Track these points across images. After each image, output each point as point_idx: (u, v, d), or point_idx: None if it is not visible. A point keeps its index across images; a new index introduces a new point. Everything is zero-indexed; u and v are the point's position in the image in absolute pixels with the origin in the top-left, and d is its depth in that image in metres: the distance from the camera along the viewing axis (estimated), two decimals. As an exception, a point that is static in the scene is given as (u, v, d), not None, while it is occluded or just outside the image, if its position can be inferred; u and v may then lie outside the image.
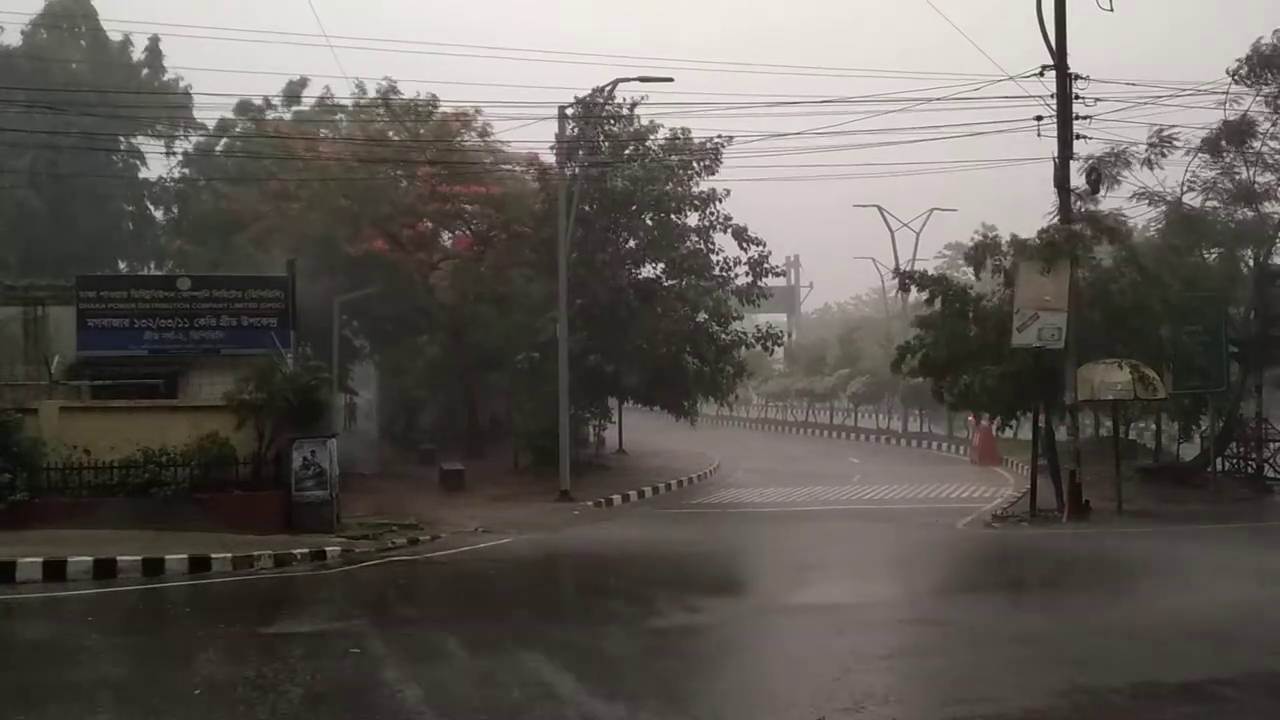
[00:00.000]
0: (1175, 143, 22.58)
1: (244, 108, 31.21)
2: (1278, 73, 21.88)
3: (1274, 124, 22.40)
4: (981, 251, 21.73)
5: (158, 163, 35.48)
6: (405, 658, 9.66)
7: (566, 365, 25.51)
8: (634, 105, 28.92)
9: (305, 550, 16.22)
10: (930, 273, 24.22)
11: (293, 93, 31.83)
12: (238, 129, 32.00)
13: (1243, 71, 21.89)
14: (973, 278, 23.71)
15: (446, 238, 33.28)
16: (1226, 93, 22.29)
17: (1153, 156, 22.69)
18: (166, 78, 35.06)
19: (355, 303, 29.57)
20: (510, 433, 31.43)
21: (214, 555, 15.20)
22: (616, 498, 25.85)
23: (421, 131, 29.76)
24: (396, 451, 34.59)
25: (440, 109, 29.91)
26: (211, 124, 33.43)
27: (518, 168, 30.78)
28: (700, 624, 11.49)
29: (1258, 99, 22.21)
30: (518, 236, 30.37)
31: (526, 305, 29.25)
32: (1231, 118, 22.42)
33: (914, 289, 22.96)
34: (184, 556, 14.96)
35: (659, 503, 26.61)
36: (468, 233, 32.46)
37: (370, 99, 30.33)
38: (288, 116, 31.83)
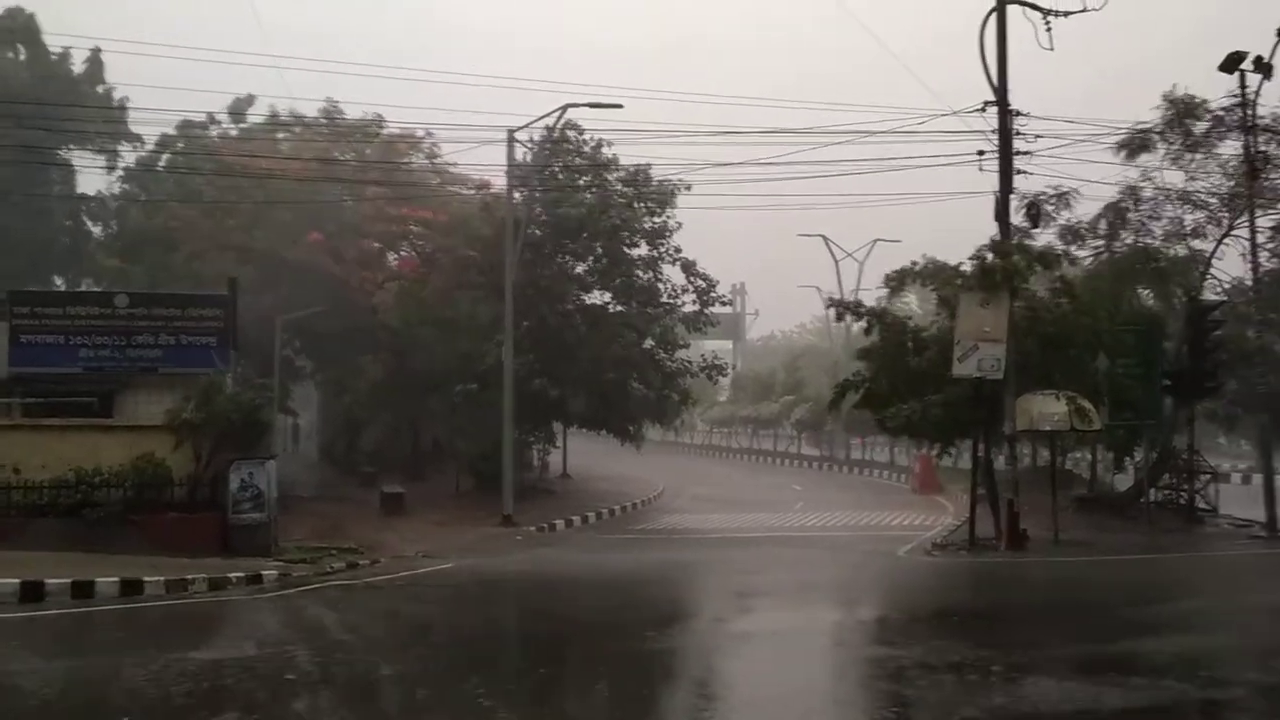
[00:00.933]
0: (1092, 194, 23.53)
1: (188, 124, 30.82)
2: (1186, 122, 22.62)
3: (1191, 167, 23.22)
4: (900, 277, 22.44)
5: (97, 178, 34.93)
6: (341, 685, 9.50)
7: (512, 389, 25.41)
8: (598, 145, 29.12)
9: (241, 574, 15.93)
10: (870, 304, 24.51)
11: (239, 109, 31.53)
12: (180, 144, 31.59)
13: (1157, 127, 22.69)
14: (914, 308, 24.13)
15: (392, 258, 33.09)
16: (1161, 133, 22.98)
17: (1074, 200, 23.55)
18: (105, 90, 34.49)
19: (298, 322, 29.24)
20: (453, 456, 31.20)
21: (146, 578, 14.87)
22: (560, 522, 25.75)
23: (368, 152, 29.65)
24: (337, 474, 34.15)
25: (387, 130, 29.82)
26: (153, 140, 33.00)
27: (466, 190, 30.77)
28: (641, 651, 11.43)
29: (1170, 146, 23.01)
30: (464, 259, 30.28)
31: (472, 328, 29.11)
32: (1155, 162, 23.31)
33: (850, 318, 23.33)
34: (115, 579, 14.61)
35: (602, 528, 26.54)
36: (414, 254, 32.31)
37: (313, 119, 30.15)
38: (233, 133, 31.51)
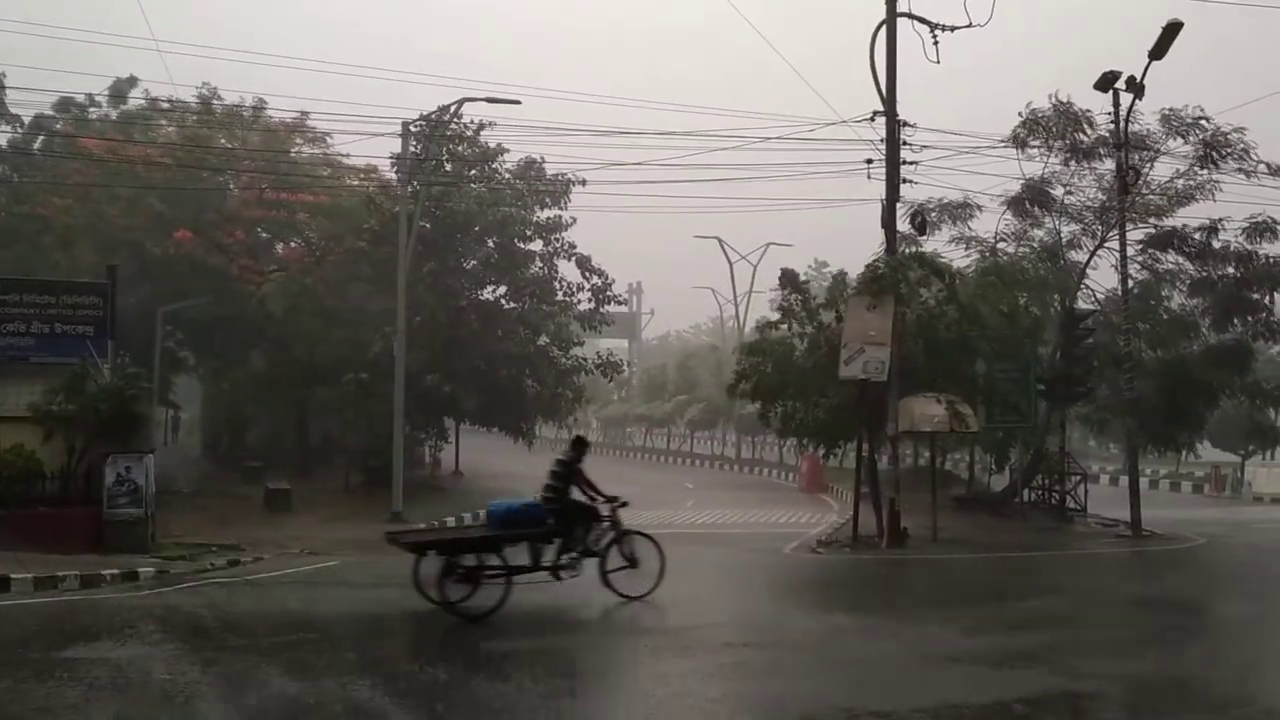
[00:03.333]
0: (979, 207, 24.28)
1: (64, 105, 29.65)
2: (1046, 135, 23.48)
3: (1068, 180, 24.19)
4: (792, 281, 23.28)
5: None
6: (219, 684, 9.30)
7: (403, 384, 25.11)
8: (480, 127, 28.88)
9: (116, 571, 15.43)
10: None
11: (119, 91, 30.44)
12: (58, 125, 30.37)
13: (1021, 134, 23.48)
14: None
15: (279, 248, 32.36)
16: (1040, 149, 23.86)
17: (964, 212, 24.29)
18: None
19: (180, 312, 28.38)
20: (342, 452, 30.66)
21: (13, 575, 14.29)
22: (451, 520, 25.51)
23: (255, 139, 28.97)
24: (220, 469, 33.24)
25: (268, 114, 29.20)
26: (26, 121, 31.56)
27: (354, 181, 30.29)
28: (525, 649, 11.44)
29: (1039, 158, 23.95)
30: (354, 250, 29.79)
31: (360, 320, 28.63)
32: (1032, 174, 24.18)
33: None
34: (-21, 577, 14.02)
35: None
36: (302, 244, 31.65)
37: (191, 102, 29.34)
38: (113, 116, 30.41)
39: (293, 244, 32.19)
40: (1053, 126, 23.31)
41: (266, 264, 30.92)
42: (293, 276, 30.00)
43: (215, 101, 29.75)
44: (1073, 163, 23.95)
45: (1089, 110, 23.41)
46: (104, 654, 10.73)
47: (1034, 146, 23.57)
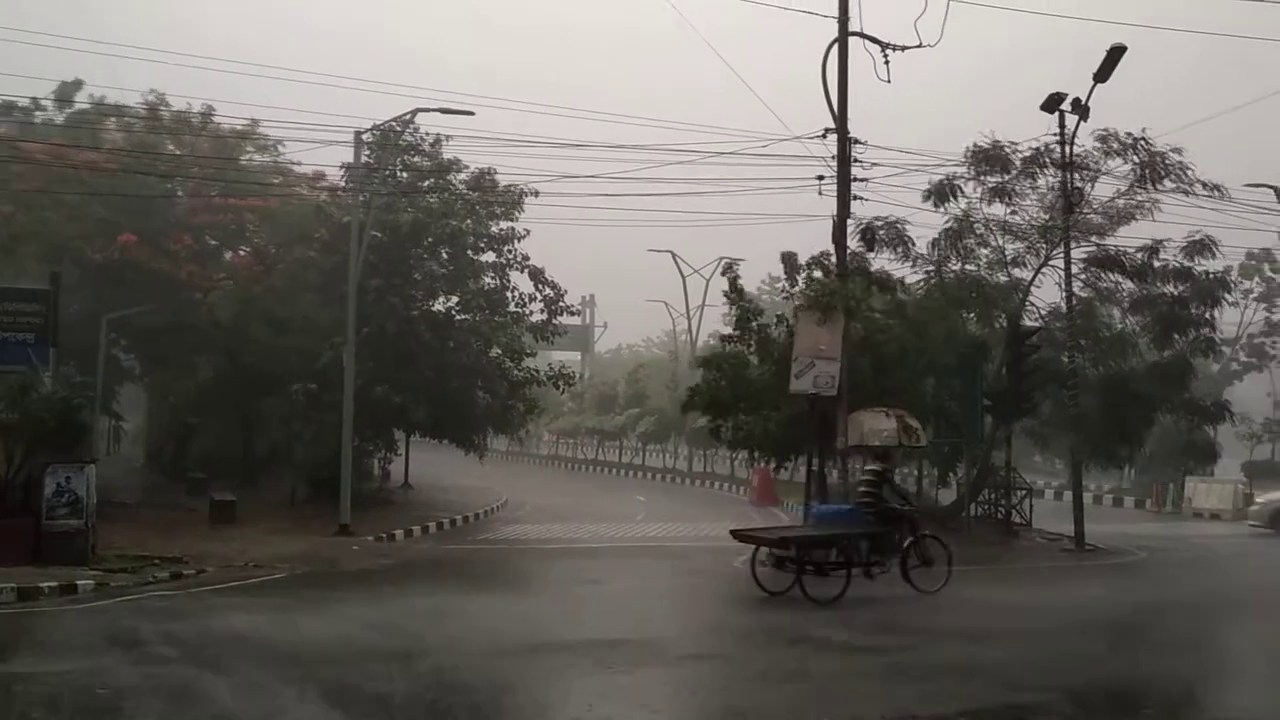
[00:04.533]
0: (926, 222, 24.79)
1: (7, 109, 29.10)
2: (991, 167, 24.04)
3: (1012, 201, 24.65)
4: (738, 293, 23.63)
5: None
6: (158, 698, 9.15)
7: (352, 395, 24.89)
8: (436, 141, 28.79)
9: (54, 583, 15.13)
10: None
11: (65, 95, 29.93)
12: (1, 129, 29.76)
13: (968, 167, 24.04)
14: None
15: (228, 255, 31.96)
16: (967, 179, 24.34)
17: (904, 227, 24.74)
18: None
19: (126, 319, 27.90)
20: (289, 463, 30.26)
21: (-54, 588, 13.98)
22: (399, 533, 25.31)
23: (205, 146, 28.61)
24: (164, 480, 32.64)
25: (217, 121, 28.89)
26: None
27: (304, 190, 30.01)
28: (476, 665, 11.39)
29: (980, 186, 24.40)
30: (303, 259, 29.49)
31: (309, 330, 28.31)
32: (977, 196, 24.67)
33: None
34: (-90, 590, 13.68)
35: (443, 538, 26.22)
36: (250, 251, 31.30)
37: (139, 106, 28.92)
38: (59, 120, 29.89)
39: (241, 252, 31.79)
40: (983, 164, 23.87)
41: (215, 271, 30.47)
42: (241, 284, 29.58)
43: (163, 108, 29.32)
44: (999, 200, 24.46)
45: (1015, 145, 23.94)
46: (40, 667, 10.52)
47: (958, 194, 24.26)
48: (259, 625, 13.46)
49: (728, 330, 23.79)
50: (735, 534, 17.08)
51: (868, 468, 16.85)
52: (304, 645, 12.16)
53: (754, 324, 23.16)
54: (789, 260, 23.62)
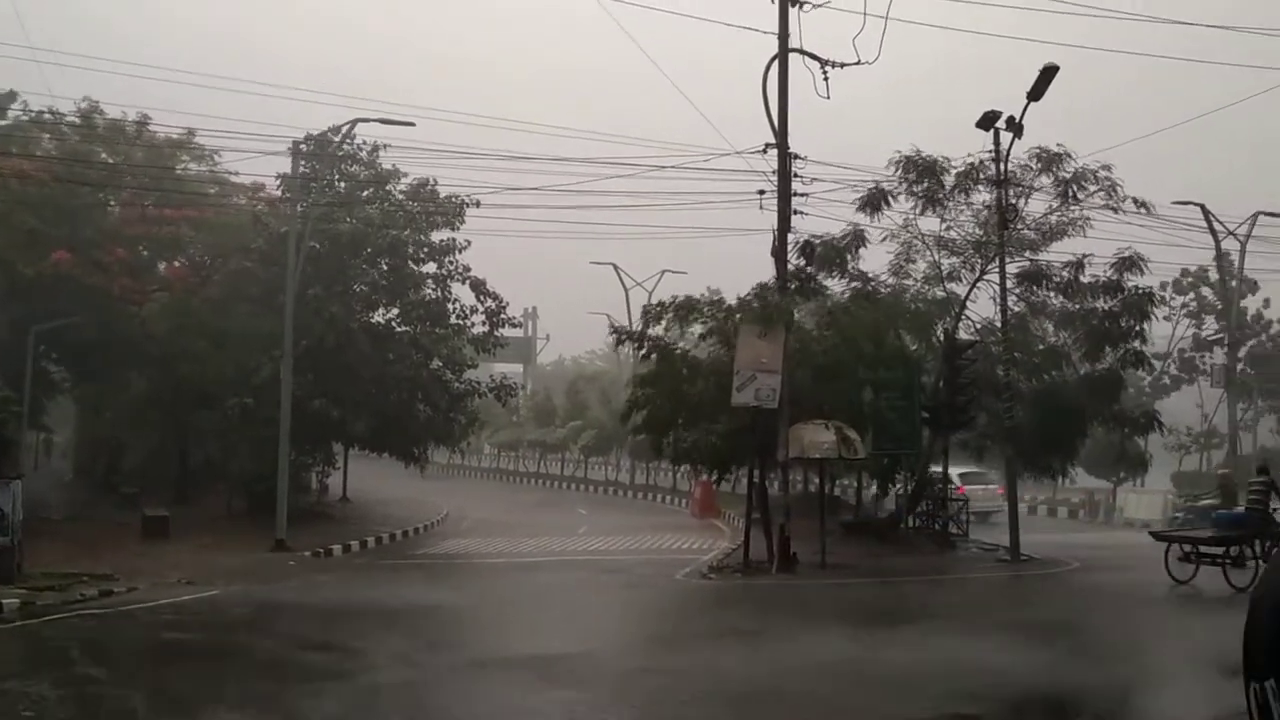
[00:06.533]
0: (867, 241, 25.01)
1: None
2: (920, 176, 24.37)
3: (947, 216, 25.07)
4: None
5: None
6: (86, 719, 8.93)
7: (289, 408, 24.54)
8: (375, 150, 28.57)
9: (-23, 603, 14.70)
10: (655, 333, 24.96)
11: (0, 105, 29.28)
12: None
13: (894, 175, 24.39)
14: (693, 338, 24.95)
15: (163, 266, 31.38)
16: (900, 192, 24.67)
17: (852, 243, 24.95)
18: None
19: (56, 332, 27.25)
20: (224, 477, 29.75)
21: None
22: (337, 548, 24.98)
23: (137, 154, 28.09)
24: (95, 494, 31.91)
25: (153, 130, 28.39)
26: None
27: (242, 199, 29.59)
28: (415, 679, 11.27)
29: (911, 196, 24.76)
30: (240, 270, 29.06)
31: (245, 343, 27.87)
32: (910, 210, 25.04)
33: (631, 345, 24.03)
34: None
35: (382, 553, 25.93)
36: (185, 263, 30.76)
37: (68, 115, 28.36)
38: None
39: (176, 263, 31.22)
40: (912, 172, 24.20)
41: (149, 283, 29.90)
42: (176, 296, 29.07)
43: (97, 115, 28.76)
44: (933, 209, 24.82)
45: (950, 161, 24.31)
46: (-39, 691, 10.20)
47: (889, 203, 24.49)
48: (189, 642, 13.19)
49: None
50: (1155, 535, 20.30)
51: (1258, 478, 19.15)
52: (237, 662, 11.95)
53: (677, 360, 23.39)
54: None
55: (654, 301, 23.65)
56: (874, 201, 24.52)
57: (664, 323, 23.81)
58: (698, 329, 24.70)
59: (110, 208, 28.95)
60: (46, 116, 28.90)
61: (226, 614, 16.14)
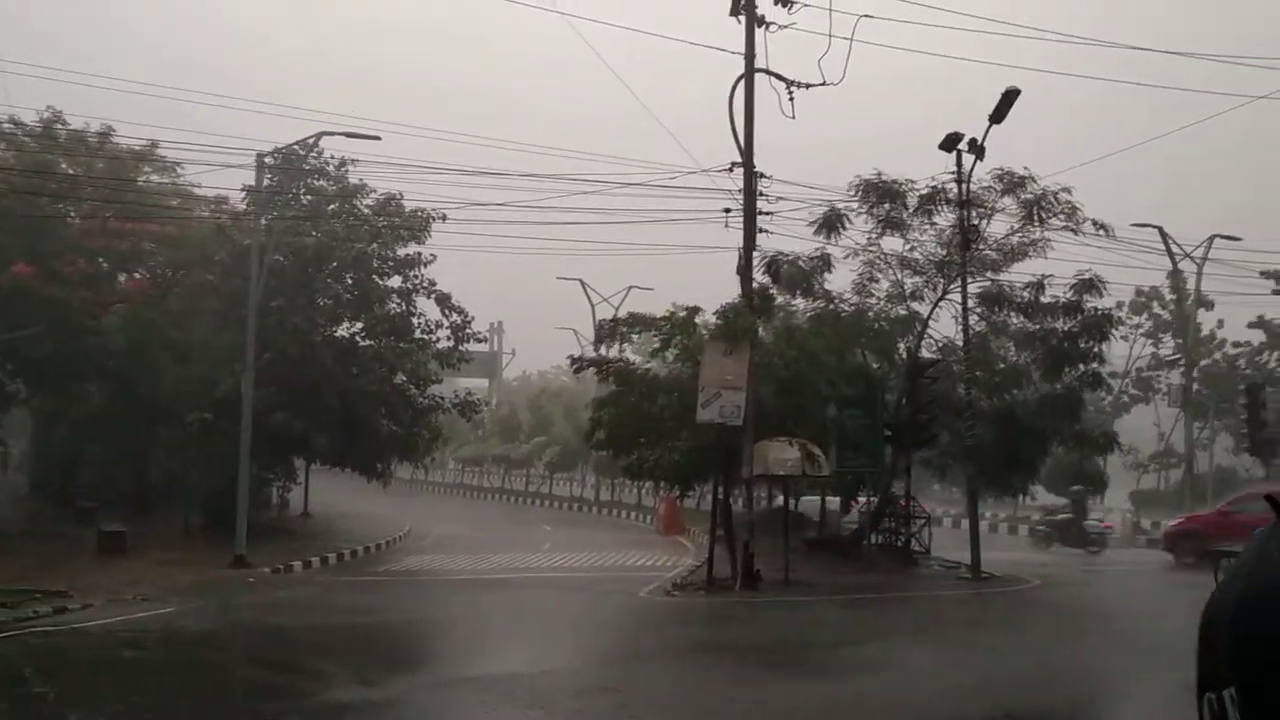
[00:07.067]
0: (833, 265, 25.29)
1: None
2: (880, 199, 24.61)
3: (910, 236, 25.35)
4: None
5: None
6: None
7: (250, 422, 24.30)
8: (342, 164, 28.45)
9: (-75, 621, 14.40)
10: (612, 355, 25.13)
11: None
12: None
13: (855, 198, 24.66)
14: (661, 357, 25.01)
15: (123, 279, 31.00)
16: (875, 202, 24.89)
17: (818, 264, 25.15)
18: None
19: (11, 343, 26.82)
20: (183, 492, 29.36)
21: None
22: (297, 564, 24.73)
23: (99, 165, 27.78)
24: (50, 508, 31.35)
25: (115, 141, 28.10)
26: None
27: (205, 212, 29.32)
28: (374, 699, 11.17)
29: (872, 219, 25.02)
30: (202, 283, 28.78)
31: (207, 356, 27.57)
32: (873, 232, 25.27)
33: (592, 370, 24.36)
34: None
35: (343, 569, 25.70)
36: (147, 275, 30.42)
37: (28, 124, 28.03)
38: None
39: (137, 275, 30.86)
40: (872, 195, 24.46)
41: (109, 296, 29.51)
42: (137, 309, 28.70)
43: (59, 126, 28.43)
44: (891, 231, 25.08)
45: (913, 183, 24.56)
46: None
47: (844, 225, 24.75)
48: (143, 660, 13.00)
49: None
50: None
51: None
52: (193, 682, 11.79)
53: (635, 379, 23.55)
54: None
55: (609, 319, 23.83)
56: (830, 223, 24.74)
57: (618, 340, 24.01)
58: (655, 345, 24.80)
59: (70, 219, 28.57)
60: (6, 126, 28.52)
61: (183, 632, 15.92)
